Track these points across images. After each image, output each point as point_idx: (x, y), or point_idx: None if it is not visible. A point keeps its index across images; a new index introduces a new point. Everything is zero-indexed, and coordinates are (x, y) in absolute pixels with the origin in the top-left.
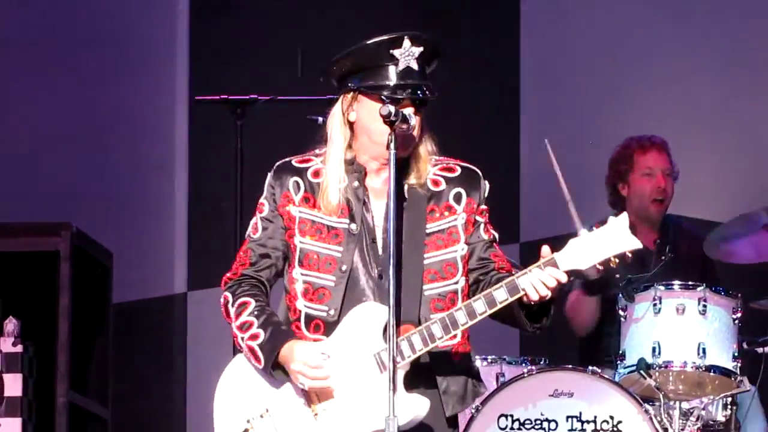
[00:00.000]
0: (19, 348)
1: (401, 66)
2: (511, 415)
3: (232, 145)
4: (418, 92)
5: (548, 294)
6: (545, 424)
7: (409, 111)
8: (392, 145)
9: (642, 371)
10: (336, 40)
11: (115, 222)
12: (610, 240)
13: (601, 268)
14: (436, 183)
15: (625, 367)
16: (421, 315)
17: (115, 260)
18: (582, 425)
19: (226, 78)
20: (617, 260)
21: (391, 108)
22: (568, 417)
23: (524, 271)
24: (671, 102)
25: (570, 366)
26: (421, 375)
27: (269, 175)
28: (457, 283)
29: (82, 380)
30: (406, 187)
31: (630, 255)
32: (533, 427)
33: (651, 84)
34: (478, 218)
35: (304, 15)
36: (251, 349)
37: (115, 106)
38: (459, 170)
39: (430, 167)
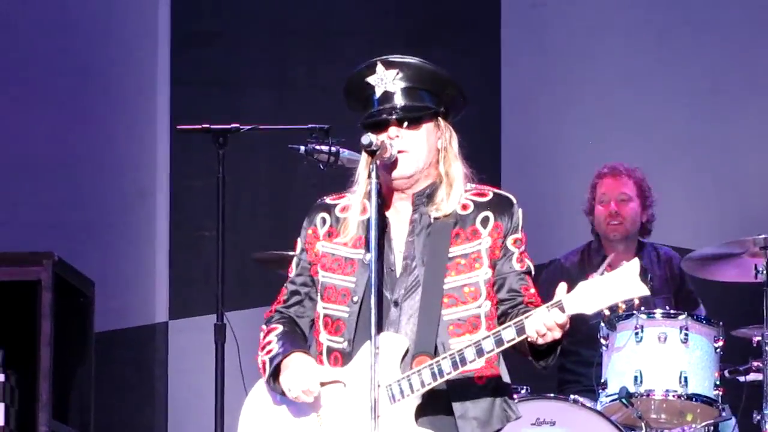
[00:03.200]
0: (0, 377)
1: (378, 92)
2: None
3: (214, 173)
4: (390, 114)
5: (549, 337)
6: None
7: (393, 133)
8: (373, 174)
9: (624, 400)
10: (316, 70)
11: (96, 251)
12: (619, 285)
13: (608, 313)
14: (464, 207)
15: (607, 396)
16: (438, 341)
17: (96, 289)
18: None
19: (207, 107)
20: (624, 306)
21: (372, 137)
22: None
23: (531, 313)
24: (651, 129)
25: (552, 395)
26: (436, 400)
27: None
28: (479, 307)
29: (64, 409)
30: (432, 212)
31: (638, 302)
32: None
33: (631, 112)
34: (510, 246)
35: (285, 44)
36: (263, 364)
37: (96, 135)
38: (491, 195)
39: (463, 192)
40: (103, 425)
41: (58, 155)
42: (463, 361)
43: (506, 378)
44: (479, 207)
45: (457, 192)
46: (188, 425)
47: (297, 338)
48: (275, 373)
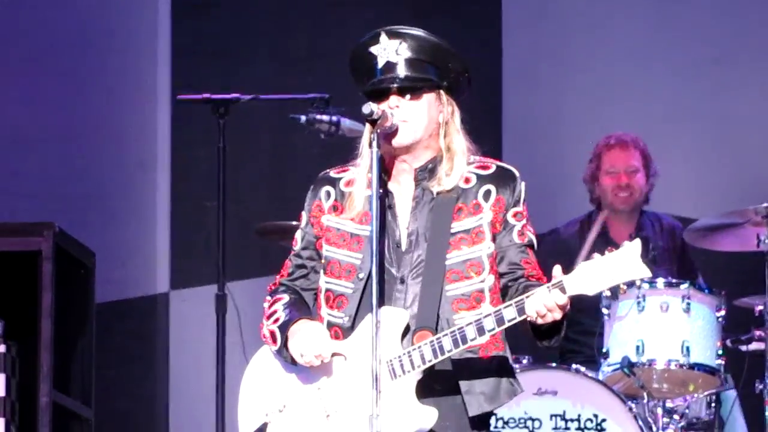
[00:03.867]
0: (1, 348)
1: (381, 62)
2: (495, 414)
3: (215, 144)
4: (392, 83)
5: (550, 318)
6: (529, 423)
7: (393, 102)
8: (374, 144)
9: (626, 369)
10: (317, 40)
11: (97, 221)
12: (620, 266)
13: (609, 294)
14: (467, 180)
15: (609, 365)
16: (441, 316)
17: (97, 260)
18: (566, 424)
19: (208, 77)
20: (626, 287)
21: (373, 106)
22: (552, 415)
23: (532, 292)
24: (653, 100)
25: (554, 364)
26: (441, 377)
27: (311, 187)
28: (483, 281)
29: (65, 380)
30: (435, 187)
31: (638, 282)
32: (517, 426)
33: (633, 82)
34: (510, 219)
35: (286, 14)
36: (272, 333)
37: (96, 106)
38: (493, 168)
39: (464, 164)
40: (105, 396)
41: (59, 126)
42: (464, 339)
43: (508, 354)
44: (482, 180)
45: (459, 166)
46: (189, 395)
47: (303, 306)
48: (284, 341)
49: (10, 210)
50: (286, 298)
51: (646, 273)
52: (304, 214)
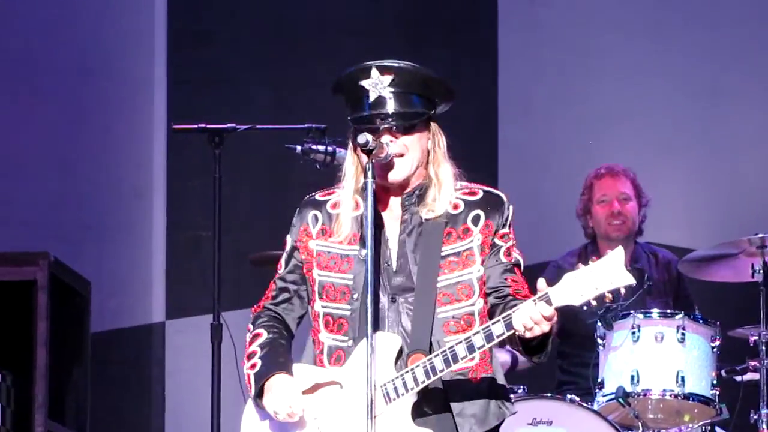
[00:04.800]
0: None
1: (372, 96)
2: None
3: (210, 173)
4: (384, 120)
5: (538, 331)
6: None
7: (386, 139)
8: (369, 174)
9: (621, 399)
10: (313, 70)
11: (92, 251)
12: (605, 275)
13: (595, 303)
14: (455, 206)
15: (604, 395)
16: (433, 339)
17: (92, 289)
18: None
19: (203, 106)
20: (611, 296)
21: (368, 137)
22: None
23: (519, 306)
24: (648, 130)
25: (549, 394)
26: (434, 399)
27: (296, 211)
28: (473, 305)
29: (60, 410)
30: (423, 213)
31: (624, 291)
32: None
33: (628, 113)
34: (497, 241)
35: (282, 43)
36: (248, 378)
37: (92, 135)
38: (481, 194)
39: (453, 192)
40: (100, 426)
41: (55, 154)
42: (455, 358)
43: (500, 376)
44: (470, 206)
45: (447, 192)
46: (185, 425)
47: (279, 351)
48: (259, 392)
49: (6, 239)
50: (264, 335)
51: (630, 280)
52: (289, 238)
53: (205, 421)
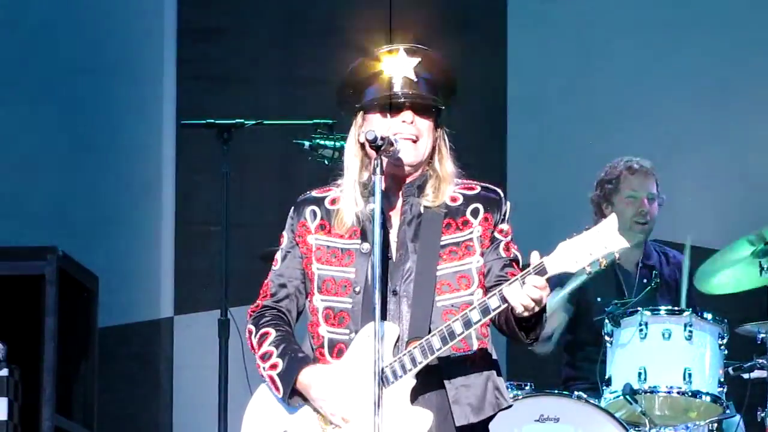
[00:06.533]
0: (4, 372)
1: (398, 76)
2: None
3: (219, 169)
4: (413, 98)
5: (528, 303)
6: None
7: (408, 117)
8: (378, 170)
9: (628, 396)
10: (321, 65)
11: (101, 246)
12: (599, 241)
13: (590, 270)
14: (454, 200)
15: (611, 392)
16: (432, 327)
17: (100, 284)
18: None
19: (212, 102)
20: (606, 261)
21: (376, 132)
22: None
23: (515, 279)
24: (659, 127)
25: (556, 391)
26: (432, 385)
27: (291, 209)
28: (471, 294)
29: (68, 404)
30: (422, 204)
31: (618, 256)
32: None
33: (638, 107)
34: (497, 235)
35: (290, 40)
36: (271, 379)
37: (101, 131)
38: (478, 189)
39: (451, 187)
40: (108, 420)
41: (64, 150)
42: (452, 335)
43: (498, 367)
44: (469, 199)
45: (447, 185)
46: (192, 420)
47: (295, 347)
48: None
49: (14, 233)
50: (273, 333)
51: (624, 244)
52: (285, 234)
53: (213, 416)
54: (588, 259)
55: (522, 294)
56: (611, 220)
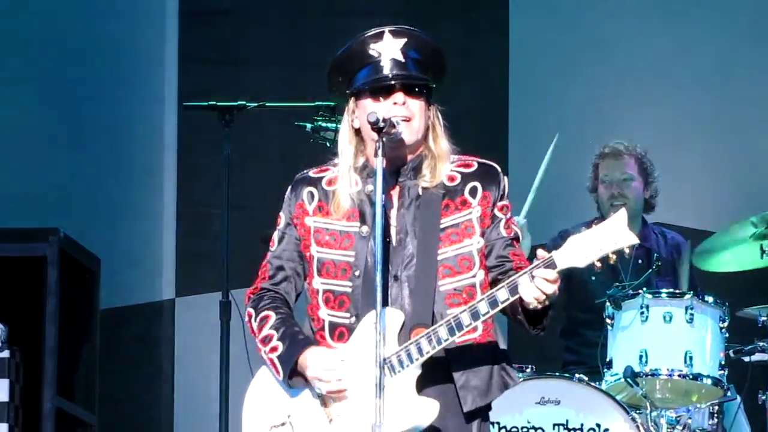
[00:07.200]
0: (5, 353)
1: (386, 59)
2: (498, 423)
3: (221, 151)
4: (403, 79)
5: (540, 296)
6: None
7: (400, 98)
8: (380, 152)
9: (629, 379)
10: (323, 48)
11: (103, 228)
12: (608, 236)
13: (599, 265)
14: (451, 179)
15: (612, 375)
16: (435, 311)
17: (102, 266)
18: None
19: (214, 84)
20: (615, 256)
21: (378, 114)
22: (554, 425)
23: (524, 271)
24: (660, 111)
25: (557, 373)
26: (437, 372)
27: (288, 189)
28: (474, 276)
29: (69, 386)
30: (420, 185)
31: (628, 251)
32: None
33: (639, 91)
34: (497, 213)
35: (292, 22)
36: (272, 362)
37: (103, 113)
38: (476, 165)
39: (447, 164)
40: (109, 402)
41: (66, 132)
42: (460, 327)
43: (503, 348)
44: (466, 178)
45: (443, 165)
46: (194, 402)
47: (296, 329)
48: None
49: (16, 215)
50: (273, 316)
51: (634, 240)
52: (282, 215)
53: (214, 398)
54: (597, 254)
55: (534, 288)
56: (620, 216)
